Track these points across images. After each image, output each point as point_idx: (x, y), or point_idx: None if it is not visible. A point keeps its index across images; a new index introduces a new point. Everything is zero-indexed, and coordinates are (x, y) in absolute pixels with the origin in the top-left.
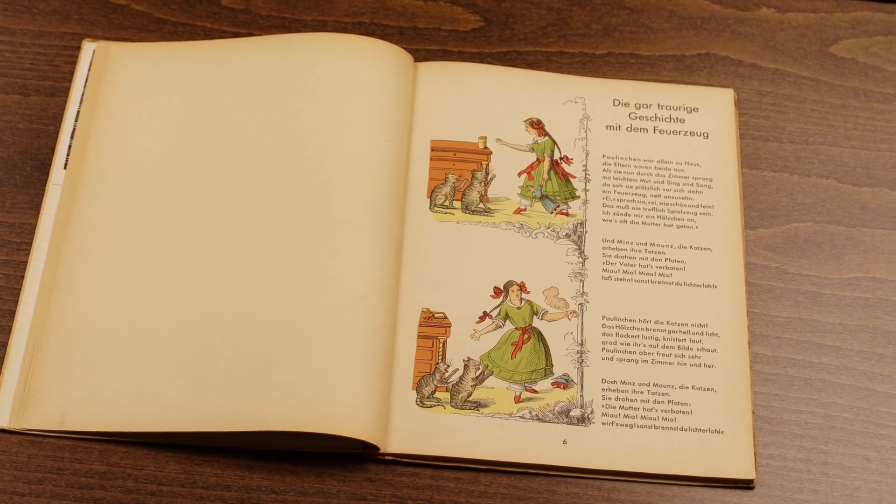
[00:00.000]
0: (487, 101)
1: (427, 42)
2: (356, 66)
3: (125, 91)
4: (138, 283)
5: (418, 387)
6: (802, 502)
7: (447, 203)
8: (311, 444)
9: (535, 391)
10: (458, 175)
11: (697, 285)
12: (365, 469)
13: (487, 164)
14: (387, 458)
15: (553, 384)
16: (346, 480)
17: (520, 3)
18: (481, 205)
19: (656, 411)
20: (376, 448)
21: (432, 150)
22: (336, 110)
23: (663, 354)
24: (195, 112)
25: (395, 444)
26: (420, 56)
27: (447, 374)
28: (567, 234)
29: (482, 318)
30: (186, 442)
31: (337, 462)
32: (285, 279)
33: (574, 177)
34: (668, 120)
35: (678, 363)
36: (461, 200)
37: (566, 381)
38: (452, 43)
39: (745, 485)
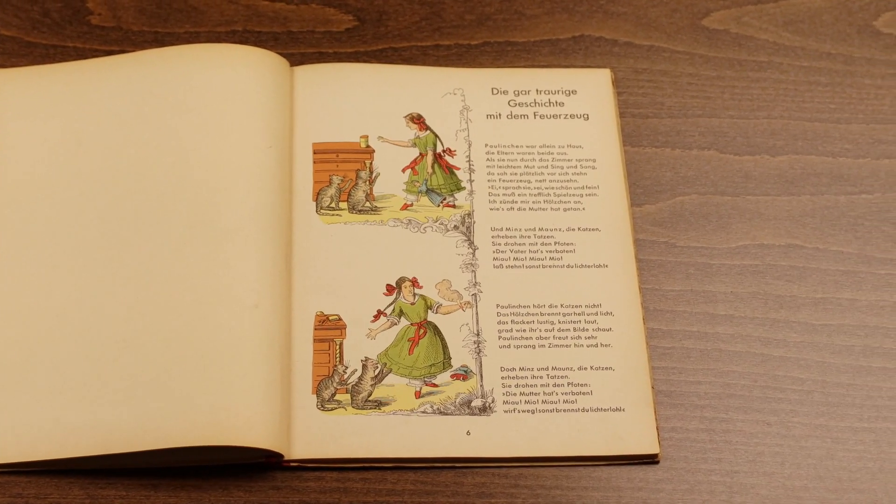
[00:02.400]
0: (366, 99)
1: (302, 45)
2: (230, 74)
3: (1, 118)
4: (28, 310)
5: (318, 390)
6: (707, 472)
7: (333, 205)
8: (214, 458)
9: (435, 385)
10: (343, 176)
11: (588, 266)
12: (271, 478)
13: (371, 163)
14: (292, 464)
15: (452, 376)
16: (252, 491)
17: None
18: (367, 204)
19: (556, 395)
20: (280, 456)
21: (315, 152)
22: (214, 120)
23: (559, 338)
24: (74, 133)
25: (298, 450)
26: (296, 60)
27: (346, 376)
28: (455, 225)
29: (377, 317)
30: (89, 466)
31: (242, 473)
32: (176, 294)
33: (458, 168)
34: (547, 104)
35: (575, 345)
36: (347, 201)
37: (465, 372)
38: (327, 44)
39: (650, 460)
